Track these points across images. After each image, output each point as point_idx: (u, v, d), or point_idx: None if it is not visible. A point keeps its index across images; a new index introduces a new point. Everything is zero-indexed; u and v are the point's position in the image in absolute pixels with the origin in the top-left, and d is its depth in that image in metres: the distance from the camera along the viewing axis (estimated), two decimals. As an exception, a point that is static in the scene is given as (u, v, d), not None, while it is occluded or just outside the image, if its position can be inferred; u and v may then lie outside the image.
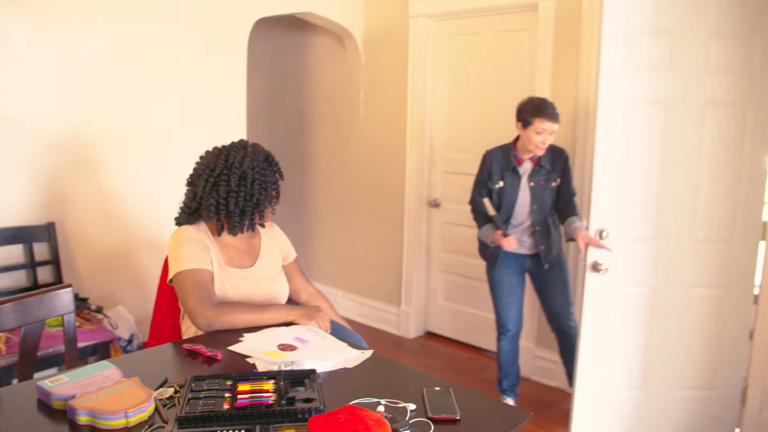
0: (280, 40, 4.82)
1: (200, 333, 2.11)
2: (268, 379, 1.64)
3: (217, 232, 2.18)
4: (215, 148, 2.22)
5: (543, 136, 2.82)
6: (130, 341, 3.00)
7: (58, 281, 2.94)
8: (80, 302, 2.79)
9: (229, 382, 1.61)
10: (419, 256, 4.17)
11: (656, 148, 2.80)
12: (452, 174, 3.98)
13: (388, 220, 4.25)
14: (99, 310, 2.85)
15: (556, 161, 2.97)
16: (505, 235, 2.95)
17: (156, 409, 1.48)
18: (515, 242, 2.95)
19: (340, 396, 1.57)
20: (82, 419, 1.42)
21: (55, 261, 2.94)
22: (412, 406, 1.52)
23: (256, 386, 1.59)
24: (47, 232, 2.91)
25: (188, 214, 2.20)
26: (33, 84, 2.85)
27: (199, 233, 2.16)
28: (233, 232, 2.18)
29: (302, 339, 1.94)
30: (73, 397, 1.47)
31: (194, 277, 2.07)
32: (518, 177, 2.97)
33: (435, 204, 4.08)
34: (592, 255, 2.77)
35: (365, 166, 4.34)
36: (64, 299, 2.10)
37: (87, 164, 3.06)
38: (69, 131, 2.98)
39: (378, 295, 4.43)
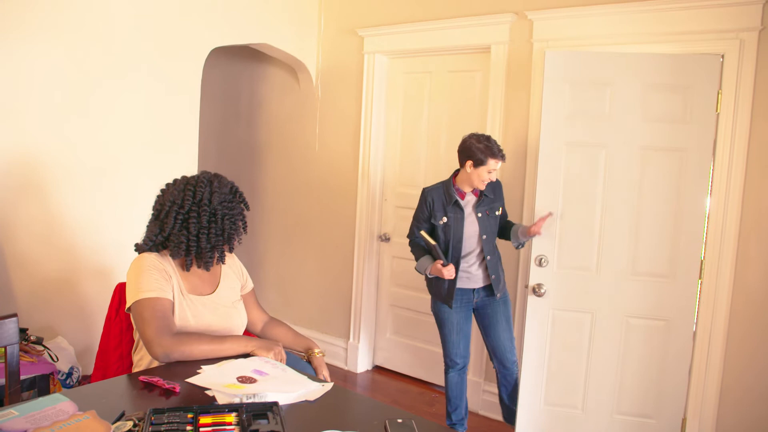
0: (233, 69, 4.82)
1: (153, 365, 2.06)
2: (230, 411, 1.61)
3: (186, 267, 2.14)
4: (179, 182, 2.19)
5: (493, 174, 2.96)
6: (69, 374, 2.87)
7: (-6, 310, 2.80)
8: (19, 333, 2.65)
9: (190, 415, 1.57)
10: (369, 289, 4.18)
11: (597, 187, 3.01)
12: (403, 209, 4.04)
13: (339, 254, 4.26)
14: (39, 341, 2.72)
15: (497, 189, 3.12)
16: (445, 265, 3.00)
17: (115, 443, 1.43)
18: (453, 271, 3.01)
19: (303, 428, 1.56)
20: (36, 456, 1.36)
21: (-8, 289, 2.80)
22: (377, 438, 1.52)
23: (218, 419, 1.56)
24: (-15, 258, 2.78)
25: (152, 246, 2.15)
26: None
27: (161, 261, 2.12)
28: (206, 267, 2.16)
29: (261, 371, 1.91)
30: None
31: (154, 306, 2.02)
32: (461, 210, 3.05)
33: (385, 238, 4.12)
34: (533, 278, 3.10)
35: (316, 198, 4.35)
36: (8, 329, 2.01)
37: (31, 187, 2.95)
38: (14, 152, 2.88)
39: (326, 329, 4.40)
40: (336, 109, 4.18)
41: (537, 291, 3.09)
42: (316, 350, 2.38)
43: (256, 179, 4.72)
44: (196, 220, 2.11)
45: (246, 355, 2.05)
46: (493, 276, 3.09)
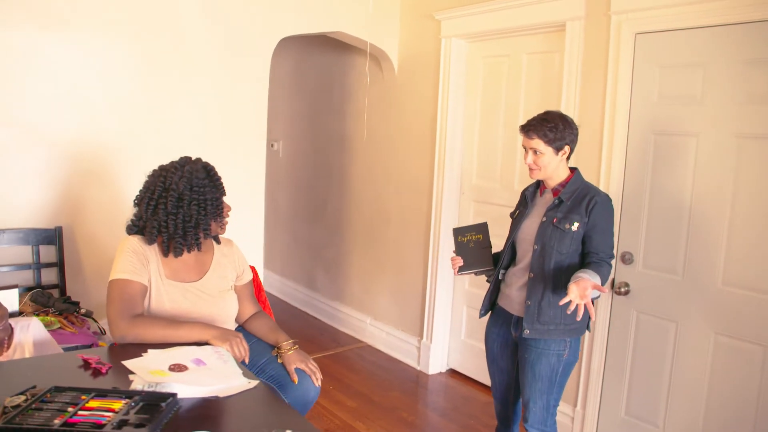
0: (324, 60, 4.85)
1: None
2: (127, 398, 1.57)
3: (164, 252, 2.17)
4: (156, 169, 2.23)
5: (527, 154, 2.36)
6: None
7: (61, 284, 3.08)
8: (70, 305, 2.89)
9: (84, 397, 1.56)
10: (443, 288, 3.96)
11: (686, 180, 2.70)
12: (480, 203, 3.76)
13: (414, 248, 4.09)
14: (88, 314, 2.94)
15: (581, 201, 2.31)
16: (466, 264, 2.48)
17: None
18: (458, 262, 2.49)
19: (184, 425, 1.48)
20: None
21: (60, 264, 3.08)
22: (245, 447, 1.39)
23: (106, 404, 1.54)
24: (55, 235, 3.06)
25: (137, 231, 2.22)
26: (53, 93, 3.03)
27: (143, 245, 2.16)
28: (177, 252, 2.16)
29: (201, 361, 1.86)
30: None
31: (122, 287, 2.07)
32: (533, 206, 2.46)
33: (464, 234, 3.86)
34: (618, 276, 2.88)
35: (395, 190, 4.22)
36: None
37: (100, 173, 3.19)
38: (85, 140, 3.14)
39: (400, 325, 4.27)
40: (414, 98, 4.01)
41: (621, 289, 2.81)
42: (285, 346, 2.27)
43: (346, 170, 4.71)
44: (163, 206, 2.12)
45: (204, 344, 2.01)
46: (529, 302, 2.33)
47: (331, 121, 4.84)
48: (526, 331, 2.33)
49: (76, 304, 2.95)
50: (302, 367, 2.22)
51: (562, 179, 2.37)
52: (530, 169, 2.35)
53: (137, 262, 2.12)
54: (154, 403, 1.56)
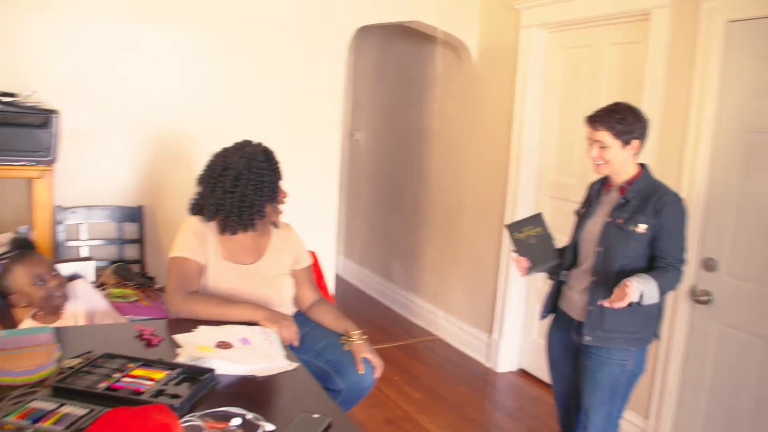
0: (405, 50, 4.83)
1: None
2: (168, 369, 1.64)
3: (221, 230, 2.25)
4: (219, 151, 2.30)
5: (592, 147, 2.21)
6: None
7: (141, 259, 3.27)
8: (147, 279, 3.06)
9: (131, 365, 1.65)
10: (516, 284, 3.86)
11: None
12: (557, 200, 3.62)
13: (488, 243, 4.01)
14: (162, 290, 3.10)
15: (648, 201, 2.14)
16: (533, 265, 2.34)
17: (51, 374, 1.57)
18: (524, 263, 2.35)
19: (218, 400, 1.52)
20: (-15, 370, 1.56)
21: (140, 240, 3.27)
22: (270, 427, 1.42)
23: (149, 374, 1.61)
24: (137, 213, 3.25)
25: (198, 210, 2.30)
26: (140, 81, 3.22)
27: (203, 225, 2.25)
28: (232, 231, 2.23)
29: (247, 340, 1.91)
30: (-9, 350, 1.63)
31: (180, 265, 2.16)
32: (597, 205, 2.32)
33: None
34: (698, 283, 2.70)
35: (471, 184, 4.15)
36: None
37: (180, 156, 3.35)
38: (167, 125, 3.31)
39: (469, 319, 4.21)
40: (491, 89, 3.91)
41: (701, 298, 2.62)
42: (353, 334, 2.28)
43: (423, 161, 4.68)
44: (221, 185, 2.18)
45: (254, 324, 2.05)
46: (591, 307, 2.19)
47: (411, 112, 4.83)
48: (587, 338, 2.20)
49: (152, 279, 3.12)
50: (370, 357, 2.24)
51: (629, 176, 2.21)
52: (595, 164, 2.22)
53: (196, 242, 2.20)
54: (193, 376, 1.61)
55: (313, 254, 2.60)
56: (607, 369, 2.20)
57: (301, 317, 2.43)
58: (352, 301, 5.22)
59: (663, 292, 2.08)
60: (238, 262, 2.27)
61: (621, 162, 2.18)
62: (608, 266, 2.17)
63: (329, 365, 2.27)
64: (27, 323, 2.15)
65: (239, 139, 2.32)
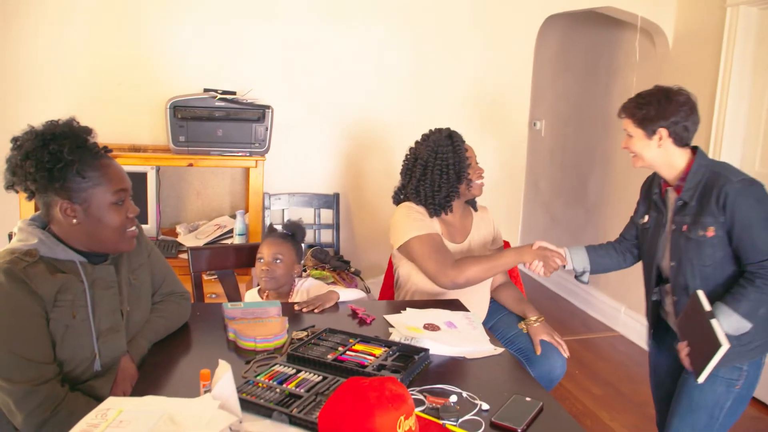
0: (594, 37, 4.64)
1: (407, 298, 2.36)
2: (386, 346, 1.77)
3: (430, 214, 2.36)
4: (413, 144, 2.44)
5: (626, 139, 2.01)
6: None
7: (336, 244, 3.51)
8: (343, 263, 3.27)
9: (352, 340, 1.80)
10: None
11: None
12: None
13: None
14: (357, 273, 3.30)
15: (709, 197, 1.82)
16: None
17: (284, 343, 1.77)
18: (548, 264, 2.20)
19: (431, 378, 1.62)
20: (230, 336, 1.80)
21: (336, 226, 3.50)
22: (485, 406, 1.48)
23: (369, 349, 1.75)
24: (333, 201, 3.49)
25: (404, 197, 2.45)
26: (333, 77, 3.44)
27: (417, 207, 2.38)
28: (435, 213, 2.34)
29: (452, 324, 1.99)
30: (233, 318, 1.86)
31: (430, 242, 2.26)
32: (663, 212, 2.00)
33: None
34: None
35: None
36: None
37: (372, 147, 3.54)
38: (360, 117, 3.51)
39: (630, 303, 4.03)
40: (690, 75, 3.64)
41: None
42: (532, 318, 2.31)
43: (609, 151, 4.50)
44: (415, 175, 2.31)
45: (455, 308, 2.13)
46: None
47: (595, 101, 4.66)
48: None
49: (347, 263, 3.33)
50: (548, 339, 2.26)
51: (679, 170, 1.91)
52: (632, 158, 2.01)
53: (425, 219, 2.33)
54: (408, 354, 1.73)
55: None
56: (709, 387, 1.86)
57: (493, 304, 2.49)
58: (531, 293, 5.15)
59: (753, 313, 1.75)
60: (452, 241, 2.38)
61: (652, 155, 1.94)
62: (687, 281, 1.89)
63: (520, 353, 2.31)
64: (250, 295, 2.40)
65: (426, 130, 2.42)
